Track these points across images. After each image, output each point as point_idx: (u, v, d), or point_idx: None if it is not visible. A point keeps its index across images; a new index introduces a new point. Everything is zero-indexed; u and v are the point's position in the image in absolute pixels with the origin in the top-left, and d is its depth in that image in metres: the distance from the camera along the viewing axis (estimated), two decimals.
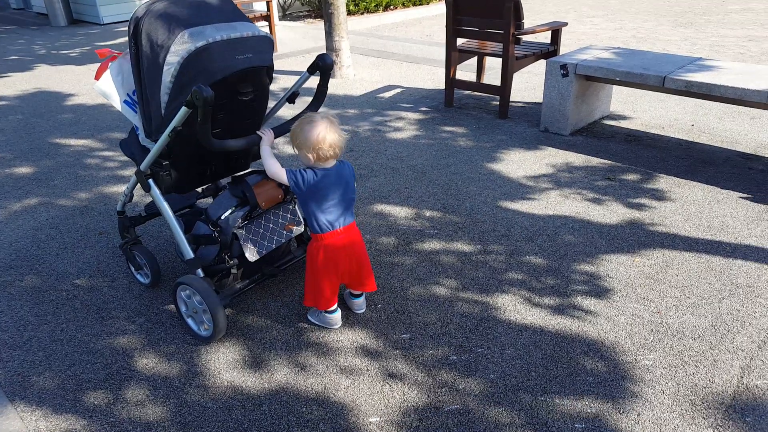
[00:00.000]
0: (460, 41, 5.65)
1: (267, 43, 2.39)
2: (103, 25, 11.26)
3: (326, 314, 2.62)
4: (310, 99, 2.77)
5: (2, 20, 12.42)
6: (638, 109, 5.44)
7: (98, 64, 2.65)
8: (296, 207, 2.77)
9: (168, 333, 2.69)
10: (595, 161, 4.32)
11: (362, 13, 11.15)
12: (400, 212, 3.70)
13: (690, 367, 2.36)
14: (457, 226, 3.51)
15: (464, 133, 4.99)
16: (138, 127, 2.59)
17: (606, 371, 2.35)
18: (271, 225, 2.67)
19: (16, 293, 3.08)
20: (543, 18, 10.45)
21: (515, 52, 5.08)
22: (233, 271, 2.62)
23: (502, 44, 5.09)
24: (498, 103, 5.56)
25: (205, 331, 2.60)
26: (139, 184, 2.64)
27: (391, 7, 11.59)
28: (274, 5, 8.16)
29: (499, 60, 5.19)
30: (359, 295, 2.72)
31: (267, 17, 8.22)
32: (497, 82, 5.33)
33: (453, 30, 5.37)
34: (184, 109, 2.18)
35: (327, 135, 2.28)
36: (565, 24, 5.42)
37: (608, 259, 3.11)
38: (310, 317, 2.71)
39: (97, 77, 2.56)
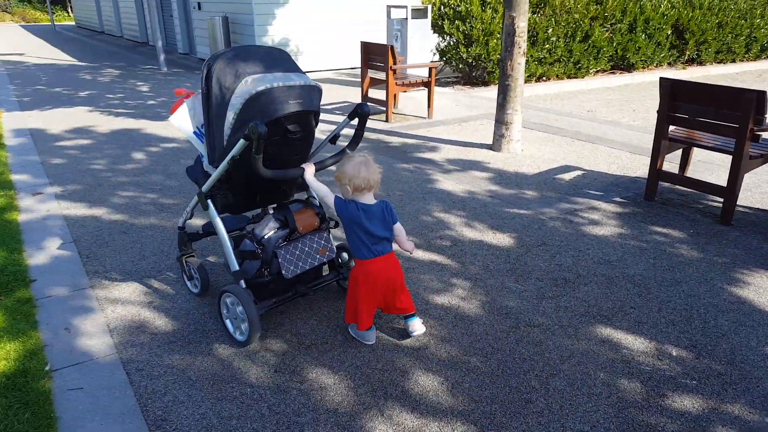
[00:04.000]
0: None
1: (316, 92, 2.77)
2: None
3: (363, 331, 2.92)
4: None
5: (171, 63, 13.14)
6: None
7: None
8: (329, 235, 3.11)
9: None
10: None
11: None
12: (633, 343, 3.04)
13: None
14: (723, 379, 2.77)
15: (682, 239, 4.26)
16: (203, 155, 2.97)
17: None
18: (306, 248, 2.98)
19: (196, 380, 2.70)
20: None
21: (750, 150, 4.35)
22: (270, 285, 2.94)
23: (733, 138, 4.38)
24: (717, 204, 4.82)
25: (240, 335, 2.91)
26: (199, 204, 2.99)
27: (544, 78, 11.12)
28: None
29: (709, 153, 4.45)
30: (411, 316, 2.96)
31: (427, 83, 7.94)
32: (706, 177, 4.60)
33: (667, 117, 4.73)
34: (242, 141, 2.55)
35: (360, 169, 2.64)
36: None
37: None
38: (350, 331, 3.02)
39: (173, 111, 2.99)
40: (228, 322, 2.98)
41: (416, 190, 5.25)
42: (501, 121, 6.41)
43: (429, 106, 8.11)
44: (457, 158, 6.26)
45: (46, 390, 2.59)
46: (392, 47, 7.42)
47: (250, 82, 2.59)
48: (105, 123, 7.68)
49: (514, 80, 6.17)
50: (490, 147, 6.67)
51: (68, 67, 12.92)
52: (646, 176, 5.52)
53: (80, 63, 13.66)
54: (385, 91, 7.88)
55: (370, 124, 7.74)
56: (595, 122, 8.01)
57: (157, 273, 3.68)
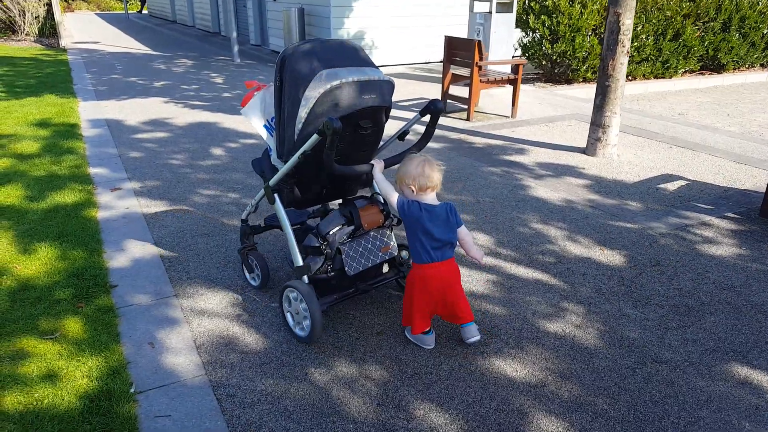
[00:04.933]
0: None
1: (389, 87, 2.71)
2: None
3: (420, 335, 2.80)
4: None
5: (243, 54, 13.11)
6: None
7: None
8: (392, 233, 3.06)
9: None
10: None
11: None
12: None
13: None
14: None
15: None
16: (271, 148, 2.95)
17: None
18: (369, 245, 2.94)
19: (293, 410, 2.46)
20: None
21: None
22: (332, 282, 2.89)
23: None
24: None
25: (302, 331, 2.85)
26: (265, 197, 2.97)
27: (629, 77, 10.49)
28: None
29: None
30: (467, 323, 2.80)
31: (513, 81, 7.52)
32: None
33: None
34: (315, 136, 2.51)
35: (425, 168, 2.59)
36: None
37: None
38: (407, 334, 2.90)
39: (243, 104, 2.98)
40: (289, 317, 2.94)
41: (508, 197, 4.89)
42: (597, 123, 5.96)
43: (513, 104, 7.70)
44: (548, 162, 5.85)
45: (131, 416, 2.38)
46: (479, 42, 7.03)
47: (325, 77, 2.53)
48: (181, 115, 7.60)
49: (615, 81, 5.72)
50: (583, 151, 6.22)
51: (142, 56, 13.07)
52: (758, 189, 5.08)
53: (154, 52, 13.81)
54: (468, 88, 7.50)
55: (450, 122, 7.41)
56: (692, 127, 7.42)
57: (243, 282, 3.47)
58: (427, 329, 2.80)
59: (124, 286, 3.42)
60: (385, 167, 2.86)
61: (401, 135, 3.04)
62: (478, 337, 2.81)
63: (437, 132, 6.93)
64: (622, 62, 5.67)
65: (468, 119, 7.55)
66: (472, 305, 3.25)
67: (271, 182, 2.89)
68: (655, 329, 3.07)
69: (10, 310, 3.14)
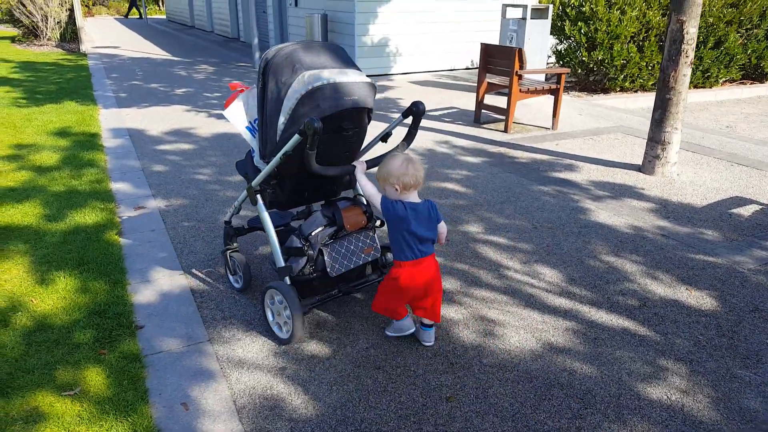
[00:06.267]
0: None
1: (370, 89, 2.68)
2: None
3: (396, 322, 2.82)
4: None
5: None
6: None
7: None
8: (375, 234, 3.00)
9: None
10: None
11: (636, 91, 9.73)
12: None
13: None
14: None
15: None
16: (254, 149, 2.91)
17: None
18: (352, 247, 2.89)
19: None
20: None
21: None
22: (314, 283, 2.83)
23: None
24: None
25: (285, 332, 2.80)
26: (248, 199, 2.95)
27: None
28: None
29: None
30: (430, 326, 2.82)
31: (555, 91, 7.07)
32: None
33: None
34: (296, 136, 2.51)
35: (408, 167, 2.53)
36: None
37: None
38: (387, 332, 2.89)
39: (226, 105, 2.93)
40: (271, 319, 2.90)
41: (568, 222, 4.42)
42: (656, 139, 5.48)
43: (555, 116, 7.24)
44: (603, 181, 5.38)
45: None
46: (520, 50, 6.58)
47: (307, 78, 2.53)
48: (205, 125, 7.21)
49: (677, 94, 5.25)
50: (638, 168, 5.75)
51: (162, 62, 12.74)
52: None
53: (174, 58, 13.49)
54: (506, 98, 7.05)
55: (487, 134, 6.96)
56: (749, 142, 6.91)
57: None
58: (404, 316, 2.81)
59: (152, 327, 3.00)
60: (368, 168, 2.81)
61: (384, 137, 3.02)
62: (432, 342, 2.84)
63: (475, 144, 6.49)
64: (684, 74, 5.21)
65: (506, 131, 7.10)
66: (553, 360, 2.81)
67: (254, 183, 2.85)
68: None
69: (25, 356, 2.74)
